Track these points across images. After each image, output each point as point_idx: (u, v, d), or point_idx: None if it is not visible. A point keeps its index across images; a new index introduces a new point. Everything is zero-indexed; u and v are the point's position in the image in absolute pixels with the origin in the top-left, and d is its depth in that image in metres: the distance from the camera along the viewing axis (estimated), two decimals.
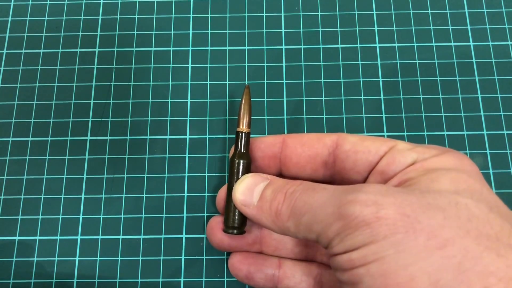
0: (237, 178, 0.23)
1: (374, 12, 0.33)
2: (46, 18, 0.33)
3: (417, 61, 0.32)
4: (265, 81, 0.32)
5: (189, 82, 0.32)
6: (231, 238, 0.25)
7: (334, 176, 0.23)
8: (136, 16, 0.33)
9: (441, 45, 0.32)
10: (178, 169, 0.30)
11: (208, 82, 0.32)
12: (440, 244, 0.15)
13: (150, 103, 0.31)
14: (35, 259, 0.28)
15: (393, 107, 0.31)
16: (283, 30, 0.33)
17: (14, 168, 0.30)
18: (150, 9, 0.34)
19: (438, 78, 0.32)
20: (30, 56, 0.32)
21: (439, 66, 0.32)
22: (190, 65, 0.32)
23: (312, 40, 0.33)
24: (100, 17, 0.33)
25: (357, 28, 0.33)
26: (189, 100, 0.31)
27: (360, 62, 0.32)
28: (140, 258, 0.28)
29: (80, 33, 0.33)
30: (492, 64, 0.32)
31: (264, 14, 0.33)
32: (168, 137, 0.30)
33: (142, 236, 0.28)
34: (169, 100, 0.31)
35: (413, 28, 0.33)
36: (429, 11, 0.33)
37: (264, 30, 0.33)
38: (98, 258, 0.28)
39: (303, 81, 0.32)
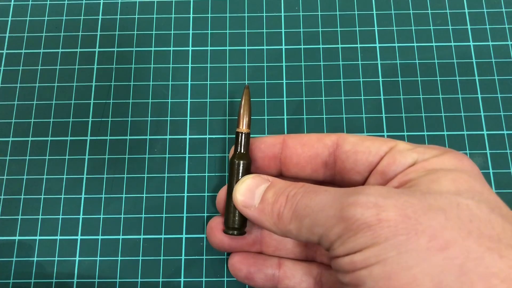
0: (237, 179, 0.23)
1: (374, 12, 0.33)
2: (46, 18, 0.33)
3: (417, 61, 0.32)
4: (265, 81, 0.32)
5: (189, 82, 0.32)
6: (231, 239, 0.25)
7: (334, 176, 0.23)
8: (136, 16, 0.33)
9: (441, 45, 0.32)
10: (178, 169, 0.30)
11: (208, 82, 0.32)
12: (442, 246, 0.15)
13: (150, 103, 0.31)
14: (35, 259, 0.28)
15: (393, 107, 0.31)
16: (283, 30, 0.33)
17: (14, 168, 0.30)
18: (150, 9, 0.34)
19: (438, 78, 0.32)
20: (30, 56, 0.32)
21: (439, 66, 0.32)
22: (190, 65, 0.32)
23: (312, 40, 0.33)
24: (100, 17, 0.33)
25: (357, 28, 0.33)
26: (189, 100, 0.31)
27: (360, 62, 0.32)
28: (140, 258, 0.28)
29: (80, 33, 0.33)
30: (492, 64, 0.32)
31: (264, 14, 0.33)
32: (168, 137, 0.30)
33: (142, 236, 0.28)
34: (169, 100, 0.31)
35: (413, 28, 0.33)
36: (429, 11, 0.33)
37: (264, 30, 0.33)
38: (98, 258, 0.28)
39: (303, 81, 0.32)
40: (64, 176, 0.30)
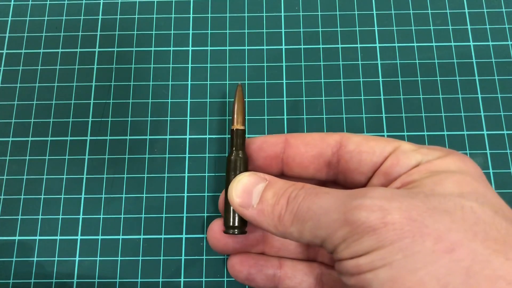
0: (234, 177, 0.23)
1: (374, 12, 0.33)
2: (46, 18, 0.33)
3: (417, 61, 0.32)
4: (265, 81, 0.32)
5: (189, 82, 0.32)
6: (235, 242, 0.24)
7: (337, 176, 0.23)
8: (136, 16, 0.33)
9: (441, 45, 0.32)
10: (178, 169, 0.30)
11: (208, 82, 0.32)
12: (448, 248, 0.15)
13: (150, 103, 0.31)
14: (35, 259, 0.28)
15: (393, 107, 0.31)
16: (283, 30, 0.33)
17: (14, 168, 0.30)
18: (150, 9, 0.34)
19: (438, 78, 0.32)
20: (30, 56, 0.32)
21: (439, 66, 0.32)
22: (190, 65, 0.32)
23: (312, 40, 0.33)
24: (100, 17, 0.33)
25: (357, 28, 0.33)
26: (189, 100, 0.31)
27: (360, 62, 0.32)
28: (140, 258, 0.28)
29: (80, 33, 0.33)
30: (492, 64, 0.32)
31: (264, 14, 0.33)
32: (168, 137, 0.30)
33: (142, 236, 0.28)
34: (169, 100, 0.31)
35: (413, 28, 0.33)
36: (429, 11, 0.33)
37: (264, 30, 0.33)
38: (98, 258, 0.28)
39: (303, 81, 0.32)
40: (64, 176, 0.30)
